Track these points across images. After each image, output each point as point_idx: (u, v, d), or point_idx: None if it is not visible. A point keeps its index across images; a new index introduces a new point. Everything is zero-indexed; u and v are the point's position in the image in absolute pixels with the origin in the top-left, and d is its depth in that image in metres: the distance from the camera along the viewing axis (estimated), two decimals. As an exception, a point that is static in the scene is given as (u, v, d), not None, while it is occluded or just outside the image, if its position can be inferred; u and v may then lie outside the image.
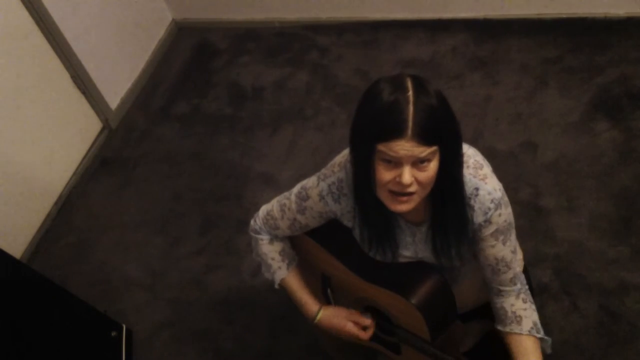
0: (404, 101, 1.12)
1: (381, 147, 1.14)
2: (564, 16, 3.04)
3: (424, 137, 1.12)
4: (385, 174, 1.18)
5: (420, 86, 1.14)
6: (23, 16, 2.85)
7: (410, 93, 1.12)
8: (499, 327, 1.44)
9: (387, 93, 1.14)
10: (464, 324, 1.55)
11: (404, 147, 1.12)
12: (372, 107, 1.15)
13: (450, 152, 1.19)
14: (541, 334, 1.41)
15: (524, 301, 1.42)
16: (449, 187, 1.25)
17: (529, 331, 1.40)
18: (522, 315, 1.41)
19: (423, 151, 1.13)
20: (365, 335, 1.58)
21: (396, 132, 1.12)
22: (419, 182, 1.18)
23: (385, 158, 1.16)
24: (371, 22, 3.39)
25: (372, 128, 1.15)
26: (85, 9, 3.15)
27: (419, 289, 1.44)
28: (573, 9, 3.02)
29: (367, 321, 1.58)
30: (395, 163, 1.16)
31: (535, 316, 1.43)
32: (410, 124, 1.11)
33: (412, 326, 1.49)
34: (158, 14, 3.71)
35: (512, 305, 1.42)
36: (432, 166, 1.17)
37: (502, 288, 1.42)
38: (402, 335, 1.54)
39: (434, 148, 1.15)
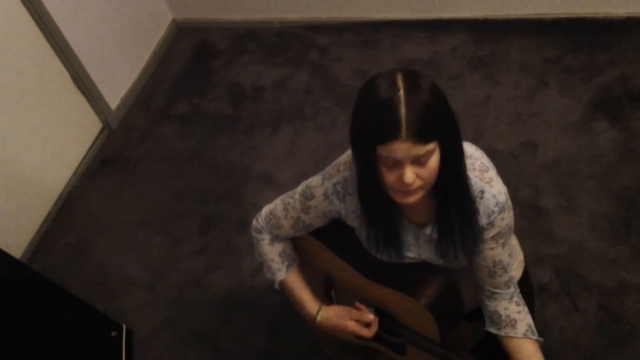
0: (396, 101, 1.10)
1: (380, 149, 1.14)
2: (564, 16, 3.04)
3: (419, 135, 1.11)
4: (388, 175, 1.18)
5: (412, 82, 1.12)
6: (23, 16, 2.85)
7: (402, 92, 1.10)
8: (492, 330, 1.43)
9: (378, 94, 1.12)
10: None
11: (401, 148, 1.11)
12: (365, 110, 1.15)
13: (450, 144, 1.18)
14: (536, 336, 1.41)
15: (517, 304, 1.42)
16: (453, 183, 1.24)
17: (524, 334, 1.39)
18: (516, 319, 1.40)
19: (421, 150, 1.12)
20: (368, 333, 1.52)
21: (390, 134, 1.10)
22: (421, 178, 1.17)
23: (386, 162, 1.16)
24: (371, 22, 3.39)
25: (367, 131, 1.14)
26: (85, 9, 3.15)
27: (427, 288, 1.42)
28: (573, 9, 3.02)
29: (370, 317, 1.53)
30: (396, 164, 1.15)
31: (529, 319, 1.42)
32: (403, 124, 1.09)
33: (419, 326, 1.47)
34: (158, 14, 3.72)
35: (506, 309, 1.41)
36: (433, 160, 1.16)
37: (495, 291, 1.41)
38: (409, 336, 1.52)
39: (432, 145, 1.14)
